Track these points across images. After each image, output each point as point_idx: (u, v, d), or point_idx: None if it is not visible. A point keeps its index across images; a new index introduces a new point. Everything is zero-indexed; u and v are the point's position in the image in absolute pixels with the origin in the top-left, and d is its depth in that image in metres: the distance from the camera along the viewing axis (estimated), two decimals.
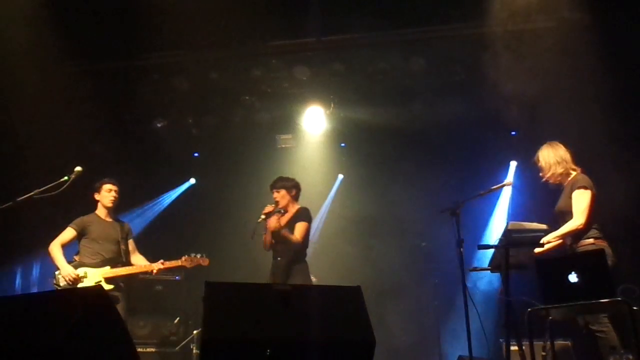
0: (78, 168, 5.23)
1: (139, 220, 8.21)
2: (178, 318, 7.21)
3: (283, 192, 6.01)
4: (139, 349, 6.57)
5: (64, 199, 5.16)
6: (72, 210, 6.09)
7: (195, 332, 6.80)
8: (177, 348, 7.03)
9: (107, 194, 5.85)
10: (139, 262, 5.87)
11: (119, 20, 6.69)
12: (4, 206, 4.72)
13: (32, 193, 4.92)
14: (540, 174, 5.19)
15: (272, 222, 5.82)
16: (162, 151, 8.51)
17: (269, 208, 5.87)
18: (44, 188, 4.98)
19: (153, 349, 7.03)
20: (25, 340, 2.70)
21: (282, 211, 5.92)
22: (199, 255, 5.80)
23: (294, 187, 6.10)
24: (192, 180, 9.03)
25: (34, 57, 6.57)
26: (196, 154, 9.05)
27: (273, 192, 6.04)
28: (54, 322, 2.75)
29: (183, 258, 5.76)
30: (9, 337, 2.72)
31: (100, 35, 6.90)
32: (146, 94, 7.86)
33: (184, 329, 7.22)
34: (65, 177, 5.13)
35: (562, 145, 5.13)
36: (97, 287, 4.23)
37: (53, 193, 4.99)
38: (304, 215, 5.99)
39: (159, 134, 8.38)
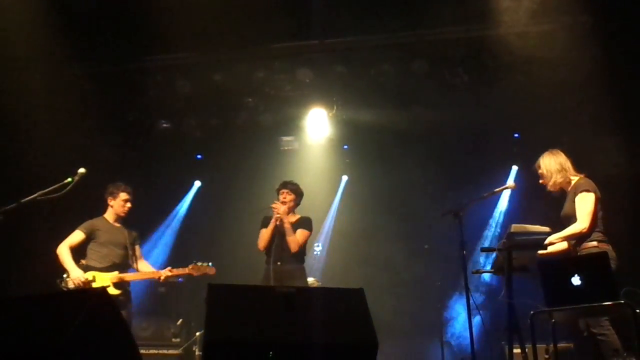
0: (82, 170, 5.23)
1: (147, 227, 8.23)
2: (181, 320, 7.21)
3: (293, 196, 5.90)
4: (141, 351, 6.56)
5: (67, 201, 5.17)
6: (74, 211, 6.10)
7: (197, 334, 6.81)
8: (179, 350, 7.03)
9: (123, 204, 5.82)
10: (144, 268, 5.86)
11: (123, 22, 6.71)
12: (8, 207, 4.72)
13: (36, 194, 4.91)
14: (541, 181, 5.18)
15: (282, 210, 5.69)
16: (165, 153, 8.53)
17: (279, 205, 5.75)
18: (47, 190, 4.98)
19: (156, 351, 7.02)
20: (29, 341, 2.71)
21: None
22: (205, 264, 5.70)
23: (301, 196, 6.01)
24: (198, 183, 9.04)
25: (39, 60, 6.60)
26: (199, 156, 9.06)
27: (283, 192, 5.87)
28: (57, 323, 2.75)
29: (190, 266, 5.68)
30: (14, 337, 2.73)
31: (104, 37, 6.93)
32: (150, 96, 7.88)
33: (187, 331, 7.22)
34: (69, 179, 5.13)
35: (562, 153, 5.10)
36: (100, 289, 4.24)
37: (57, 195, 5.00)
38: (308, 224, 5.90)
39: (163, 136, 8.40)
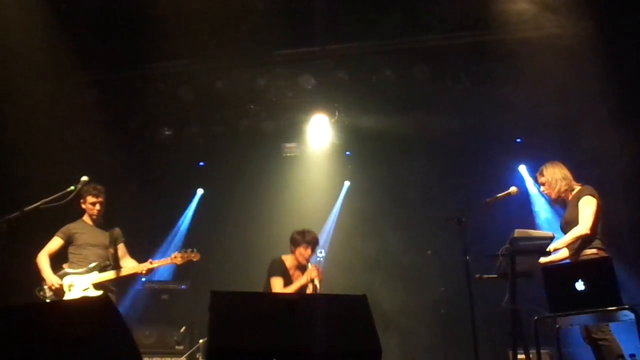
0: (84, 178, 5.24)
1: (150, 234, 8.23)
2: (184, 327, 7.19)
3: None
4: (145, 358, 6.57)
5: (70, 209, 5.18)
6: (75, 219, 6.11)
7: (201, 341, 6.77)
8: (183, 357, 7.01)
9: (91, 207, 5.71)
10: (129, 265, 5.72)
11: (126, 30, 6.73)
12: (11, 216, 4.73)
13: (39, 203, 4.92)
14: (543, 189, 5.24)
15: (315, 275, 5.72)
16: (168, 160, 8.54)
17: (315, 271, 5.67)
18: (50, 198, 4.98)
19: (159, 358, 7.02)
20: (32, 351, 2.70)
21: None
22: (189, 251, 5.63)
23: None
24: (201, 191, 9.04)
25: (41, 67, 6.62)
26: (202, 163, 9.07)
27: (310, 249, 5.83)
28: (61, 332, 2.75)
29: (173, 255, 5.62)
30: (16, 348, 2.72)
31: (107, 45, 6.95)
32: (152, 103, 7.90)
33: (190, 338, 7.20)
34: (72, 187, 5.14)
35: (563, 165, 5.20)
36: (104, 297, 4.23)
37: (59, 203, 5.00)
38: None
39: (165, 143, 8.41)
